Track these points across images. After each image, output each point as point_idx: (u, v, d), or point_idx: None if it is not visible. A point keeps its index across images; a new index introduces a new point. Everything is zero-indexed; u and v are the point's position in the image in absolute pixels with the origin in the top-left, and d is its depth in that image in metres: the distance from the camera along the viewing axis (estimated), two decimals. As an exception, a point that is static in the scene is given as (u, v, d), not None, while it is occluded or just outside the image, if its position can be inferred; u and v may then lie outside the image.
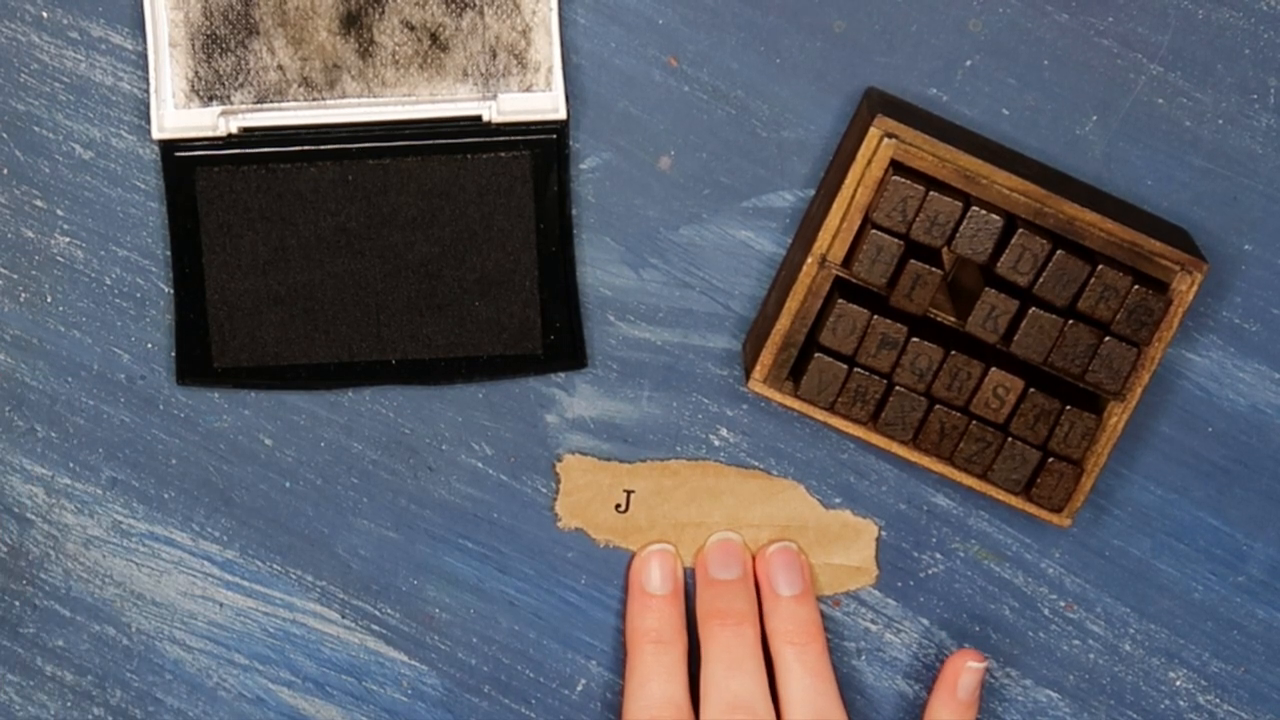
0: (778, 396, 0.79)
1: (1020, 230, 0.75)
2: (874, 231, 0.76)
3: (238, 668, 0.84)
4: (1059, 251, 0.75)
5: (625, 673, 0.81)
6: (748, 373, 0.79)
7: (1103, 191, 0.80)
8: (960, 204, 0.75)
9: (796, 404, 0.78)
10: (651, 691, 0.80)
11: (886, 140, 0.76)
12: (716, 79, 0.80)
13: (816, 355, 0.77)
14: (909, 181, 0.75)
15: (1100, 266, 0.76)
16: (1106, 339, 0.77)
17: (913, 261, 0.76)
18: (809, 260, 0.77)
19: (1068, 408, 0.77)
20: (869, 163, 0.76)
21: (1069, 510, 0.79)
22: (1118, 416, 0.78)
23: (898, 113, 0.77)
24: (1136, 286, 0.76)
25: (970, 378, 0.77)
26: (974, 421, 0.78)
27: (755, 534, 0.82)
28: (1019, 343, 0.77)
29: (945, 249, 0.77)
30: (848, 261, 0.77)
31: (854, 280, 0.77)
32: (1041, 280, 0.76)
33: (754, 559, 0.82)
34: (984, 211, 0.75)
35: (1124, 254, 0.77)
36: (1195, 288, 0.77)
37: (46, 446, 0.82)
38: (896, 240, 0.76)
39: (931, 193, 0.76)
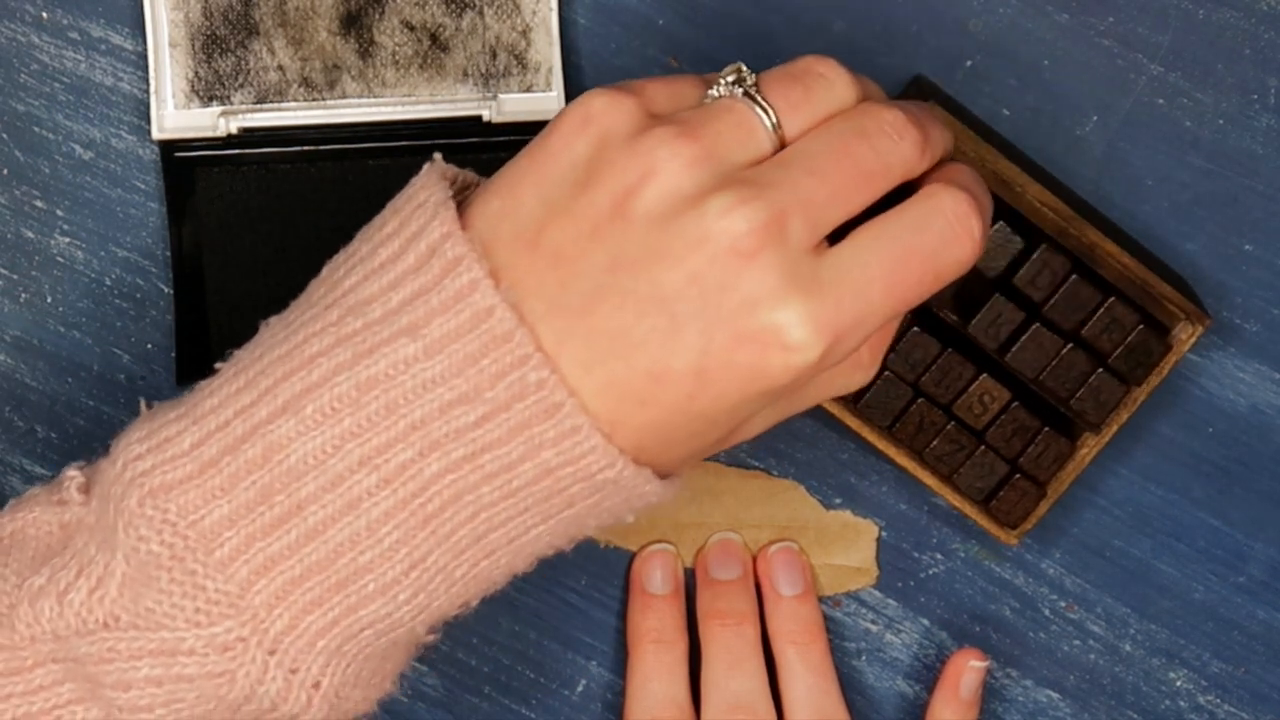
0: None
1: (1044, 245, 0.75)
2: None
3: (238, 668, 0.84)
4: (1074, 275, 0.75)
5: (626, 673, 0.81)
6: None
7: (1118, 225, 0.79)
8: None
9: None
10: (653, 691, 0.80)
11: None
12: (716, 79, 0.80)
13: None
14: None
15: (1112, 299, 0.75)
16: (1100, 371, 0.76)
17: None
18: None
19: (1045, 429, 0.77)
20: None
21: (1020, 530, 0.78)
22: (1089, 449, 0.78)
23: (944, 103, 0.76)
24: (1142, 327, 0.76)
25: (960, 379, 0.77)
26: (952, 422, 0.78)
27: (755, 534, 0.82)
28: (1016, 355, 0.76)
29: None
30: None
31: None
32: (1053, 300, 0.75)
33: (754, 559, 0.82)
34: (1008, 228, 0.75)
35: (1135, 290, 0.76)
36: (1194, 340, 0.77)
37: (46, 447, 0.82)
38: None
39: None
